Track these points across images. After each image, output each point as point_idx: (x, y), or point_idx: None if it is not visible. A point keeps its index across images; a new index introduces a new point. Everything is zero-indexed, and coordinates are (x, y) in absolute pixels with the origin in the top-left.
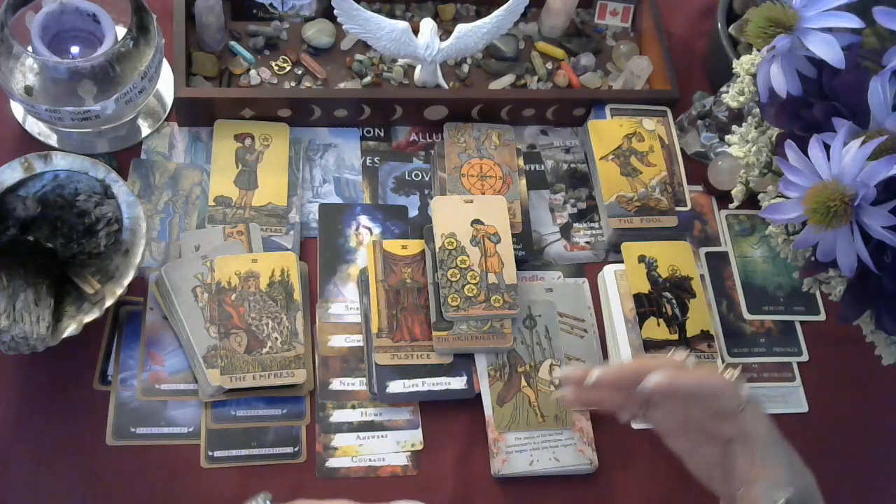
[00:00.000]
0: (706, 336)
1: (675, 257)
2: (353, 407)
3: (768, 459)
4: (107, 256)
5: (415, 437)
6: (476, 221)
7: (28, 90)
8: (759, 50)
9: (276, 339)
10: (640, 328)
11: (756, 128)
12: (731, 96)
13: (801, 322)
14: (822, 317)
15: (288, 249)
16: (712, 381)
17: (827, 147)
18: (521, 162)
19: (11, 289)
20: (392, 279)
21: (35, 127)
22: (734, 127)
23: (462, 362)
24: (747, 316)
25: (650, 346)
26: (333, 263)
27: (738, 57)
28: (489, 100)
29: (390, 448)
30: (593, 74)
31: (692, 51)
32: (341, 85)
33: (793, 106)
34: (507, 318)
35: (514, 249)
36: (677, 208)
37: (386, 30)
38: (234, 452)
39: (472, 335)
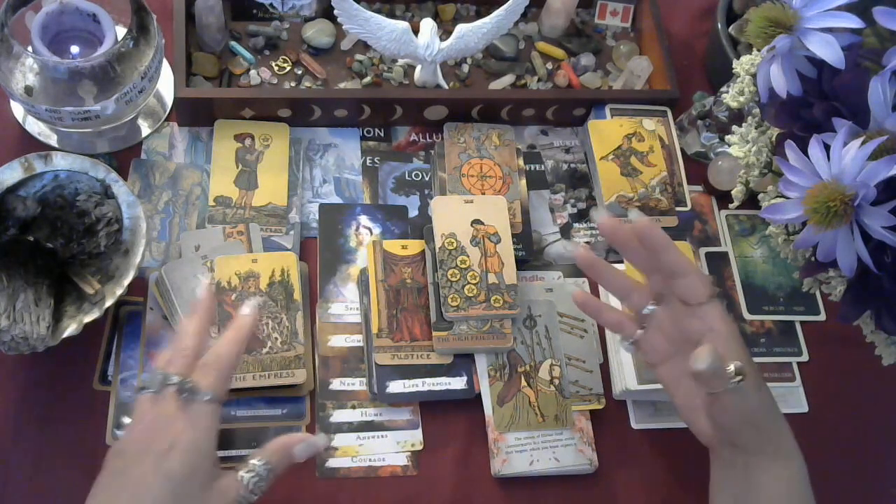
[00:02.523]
0: None
1: None
2: (353, 407)
3: (729, 352)
4: (107, 256)
5: (415, 437)
6: (476, 221)
7: (28, 90)
8: (759, 50)
9: (276, 339)
10: None
11: (756, 128)
12: (731, 96)
13: (801, 322)
14: (822, 317)
15: (288, 249)
16: (684, 256)
17: (827, 147)
18: (521, 162)
19: (11, 289)
20: (392, 279)
21: (35, 127)
22: (734, 127)
23: (462, 362)
24: (747, 316)
25: None
26: (333, 263)
27: (738, 57)
28: (489, 100)
29: (390, 448)
30: (593, 74)
31: (692, 51)
32: (341, 85)
33: (793, 106)
34: (507, 318)
35: (514, 249)
36: (677, 208)
37: (386, 30)
38: (234, 452)
39: (472, 335)
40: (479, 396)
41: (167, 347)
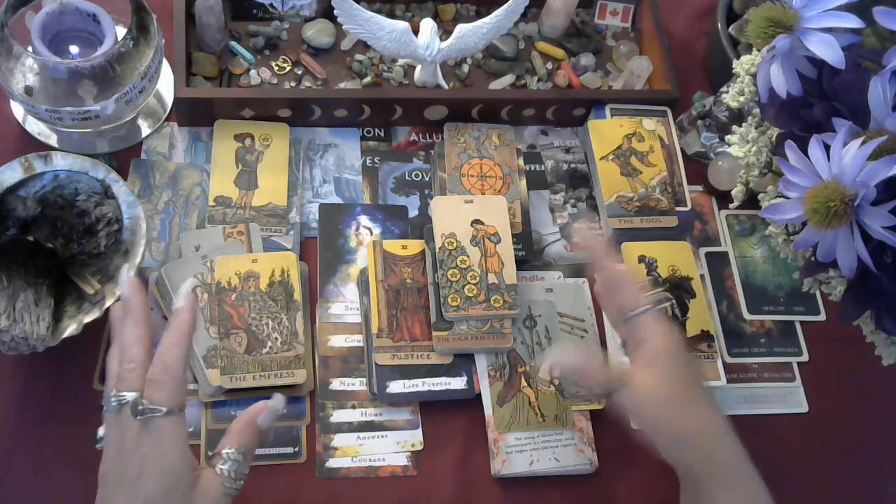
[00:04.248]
0: (706, 336)
1: (675, 257)
2: (353, 407)
3: (660, 367)
4: (107, 256)
5: (415, 437)
6: (476, 221)
7: (28, 90)
8: (759, 50)
9: (277, 339)
10: None
11: (756, 128)
12: (731, 96)
13: (801, 322)
14: (822, 317)
15: (288, 249)
16: (616, 267)
17: (827, 147)
18: (521, 162)
19: (11, 289)
20: (392, 279)
21: (35, 127)
22: (734, 127)
23: (462, 362)
24: (747, 316)
25: None
26: (333, 263)
27: (738, 57)
28: (489, 100)
29: (390, 448)
30: (593, 74)
31: (692, 51)
32: (341, 85)
33: (793, 106)
34: (507, 319)
35: (514, 249)
36: (677, 208)
37: (386, 30)
38: None
39: (472, 335)
40: (479, 396)
41: (112, 360)
